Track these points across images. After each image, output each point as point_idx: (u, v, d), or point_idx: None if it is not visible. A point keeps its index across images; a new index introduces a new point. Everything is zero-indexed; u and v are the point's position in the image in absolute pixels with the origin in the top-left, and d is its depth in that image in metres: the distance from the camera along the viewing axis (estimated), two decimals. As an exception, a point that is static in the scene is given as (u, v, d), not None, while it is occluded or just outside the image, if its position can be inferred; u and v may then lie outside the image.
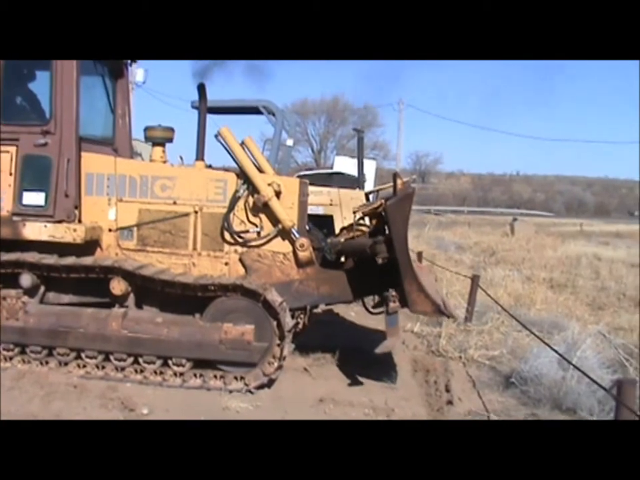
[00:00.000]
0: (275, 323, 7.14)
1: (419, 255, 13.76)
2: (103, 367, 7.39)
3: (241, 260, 7.64)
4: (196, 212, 7.68)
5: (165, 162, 8.28)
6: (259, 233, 7.59)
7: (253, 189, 7.49)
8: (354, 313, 10.94)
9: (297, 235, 7.45)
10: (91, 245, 7.69)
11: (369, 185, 16.25)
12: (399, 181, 7.10)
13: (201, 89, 8.20)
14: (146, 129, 8.31)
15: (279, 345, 7.16)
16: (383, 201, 7.41)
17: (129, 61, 9.21)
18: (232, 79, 8.24)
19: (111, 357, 7.35)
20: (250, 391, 7.09)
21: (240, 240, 7.61)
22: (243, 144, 7.74)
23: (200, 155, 8.18)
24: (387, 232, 7.45)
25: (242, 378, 7.18)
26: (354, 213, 7.99)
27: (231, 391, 7.07)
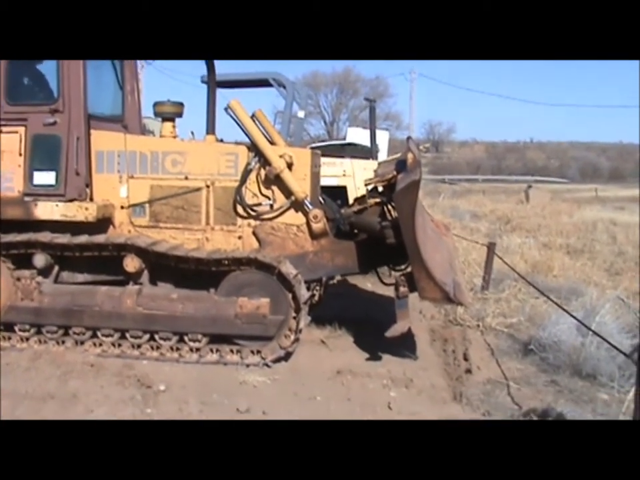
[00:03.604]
0: (290, 296, 7.11)
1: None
2: (119, 345, 7.39)
3: (254, 233, 7.59)
4: (208, 186, 7.63)
5: (175, 137, 8.22)
6: (271, 206, 7.52)
7: (264, 162, 7.41)
8: (370, 284, 10.90)
9: (310, 207, 7.38)
10: (103, 223, 7.67)
11: (382, 156, 16.13)
12: (409, 155, 6.99)
13: (209, 62, 8.11)
14: (155, 105, 8.25)
15: (294, 318, 7.13)
16: (394, 173, 7.31)
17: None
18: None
19: (127, 335, 7.35)
20: (267, 365, 7.08)
21: (253, 213, 7.56)
22: (253, 116, 7.66)
23: (210, 129, 8.11)
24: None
25: (259, 352, 7.17)
26: (365, 185, 7.88)
27: (248, 365, 7.07)
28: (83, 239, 7.33)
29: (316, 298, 8.51)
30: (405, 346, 7.61)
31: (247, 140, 7.62)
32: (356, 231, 7.82)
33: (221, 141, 8.44)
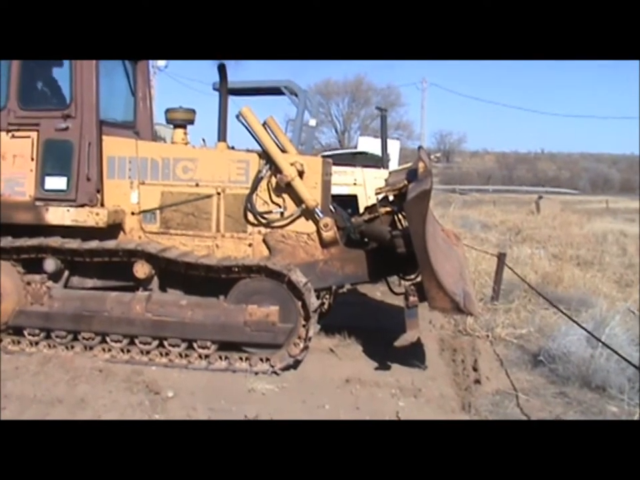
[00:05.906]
0: (299, 304, 7.09)
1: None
2: (128, 351, 7.40)
3: (264, 241, 7.60)
4: (218, 193, 7.63)
5: (186, 144, 8.24)
6: (282, 214, 7.51)
7: (275, 169, 7.41)
8: (380, 292, 10.88)
9: (321, 215, 7.38)
10: (113, 229, 7.68)
11: (393, 165, 16.12)
12: (420, 165, 6.98)
13: (222, 69, 8.12)
14: (167, 111, 8.27)
15: (304, 326, 7.12)
16: (405, 182, 7.30)
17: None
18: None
19: (136, 341, 7.36)
20: (275, 373, 7.07)
21: (263, 221, 7.55)
22: (264, 124, 7.66)
23: (222, 136, 8.13)
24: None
25: (267, 359, 7.15)
26: (376, 194, 7.86)
27: (256, 373, 7.06)
28: (93, 244, 7.34)
29: (325, 306, 8.50)
30: (414, 355, 7.60)
31: (258, 147, 7.62)
32: (366, 239, 7.81)
33: (232, 148, 8.44)
